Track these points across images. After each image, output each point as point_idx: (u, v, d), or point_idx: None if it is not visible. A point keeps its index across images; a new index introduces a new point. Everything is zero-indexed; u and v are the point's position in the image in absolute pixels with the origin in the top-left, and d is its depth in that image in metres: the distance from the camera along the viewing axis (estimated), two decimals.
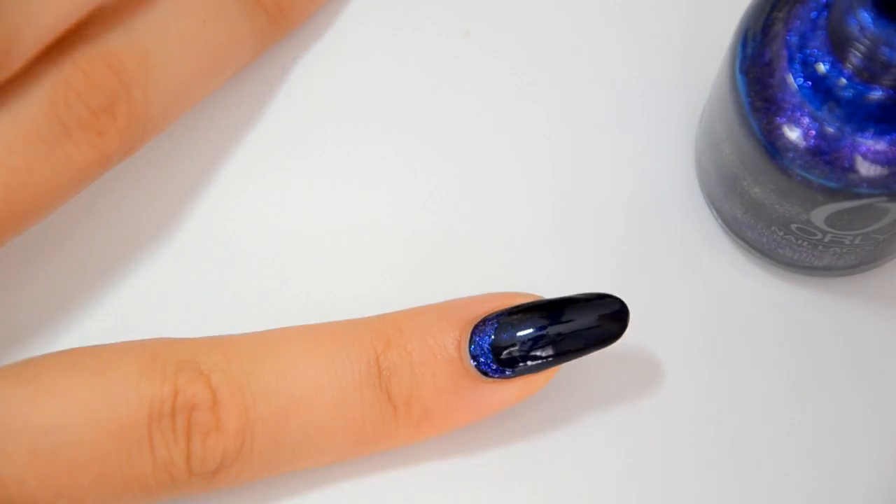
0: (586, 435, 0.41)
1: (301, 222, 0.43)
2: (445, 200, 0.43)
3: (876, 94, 0.35)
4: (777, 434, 0.42)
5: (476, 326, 0.38)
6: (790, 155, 0.37)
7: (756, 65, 0.37)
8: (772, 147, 0.37)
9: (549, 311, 0.38)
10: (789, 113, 0.37)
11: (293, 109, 0.44)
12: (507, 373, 0.38)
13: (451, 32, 0.45)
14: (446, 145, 0.44)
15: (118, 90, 0.38)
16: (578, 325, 0.38)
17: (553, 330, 0.38)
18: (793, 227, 0.39)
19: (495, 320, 0.38)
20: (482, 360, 0.38)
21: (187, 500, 0.39)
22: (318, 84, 0.44)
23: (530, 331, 0.38)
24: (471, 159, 0.44)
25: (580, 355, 0.38)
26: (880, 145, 0.36)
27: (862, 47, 0.34)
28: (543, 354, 0.38)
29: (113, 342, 0.38)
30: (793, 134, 0.37)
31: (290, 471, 0.39)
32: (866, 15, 0.34)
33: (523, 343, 0.38)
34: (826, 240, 0.39)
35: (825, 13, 0.36)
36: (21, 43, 0.36)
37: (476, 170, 0.44)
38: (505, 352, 0.38)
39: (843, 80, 0.36)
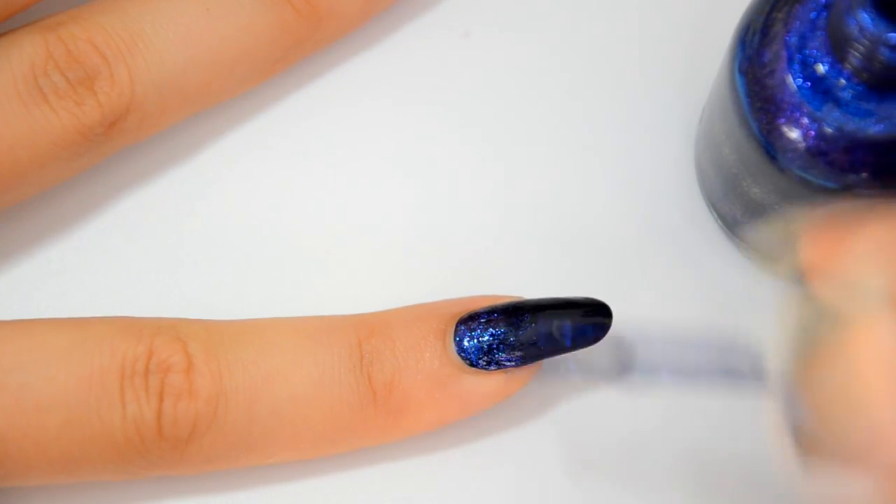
0: (585, 435, 0.41)
1: (300, 223, 0.43)
2: (445, 200, 0.44)
3: (875, 95, 0.35)
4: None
5: (462, 320, 0.38)
6: (790, 155, 0.37)
7: (755, 65, 0.37)
8: (771, 147, 0.37)
9: (535, 310, 0.38)
10: (788, 113, 0.37)
11: (290, 109, 0.44)
12: (492, 365, 0.38)
13: (451, 33, 0.45)
14: (446, 145, 0.44)
15: (99, 67, 0.39)
16: (562, 324, 0.38)
17: (539, 327, 0.38)
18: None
19: (482, 314, 0.38)
20: (466, 350, 0.38)
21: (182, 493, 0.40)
22: (316, 84, 0.44)
23: (516, 326, 0.38)
24: (470, 160, 0.44)
25: (564, 353, 0.39)
26: (879, 146, 0.36)
27: (861, 48, 0.34)
28: (528, 353, 0.38)
29: None
30: (792, 134, 0.37)
31: (265, 459, 0.39)
32: (866, 15, 0.34)
33: (509, 337, 0.38)
34: None
35: (824, 14, 0.36)
36: None
37: (475, 170, 0.44)
38: (490, 344, 0.38)
39: (843, 81, 0.36)
